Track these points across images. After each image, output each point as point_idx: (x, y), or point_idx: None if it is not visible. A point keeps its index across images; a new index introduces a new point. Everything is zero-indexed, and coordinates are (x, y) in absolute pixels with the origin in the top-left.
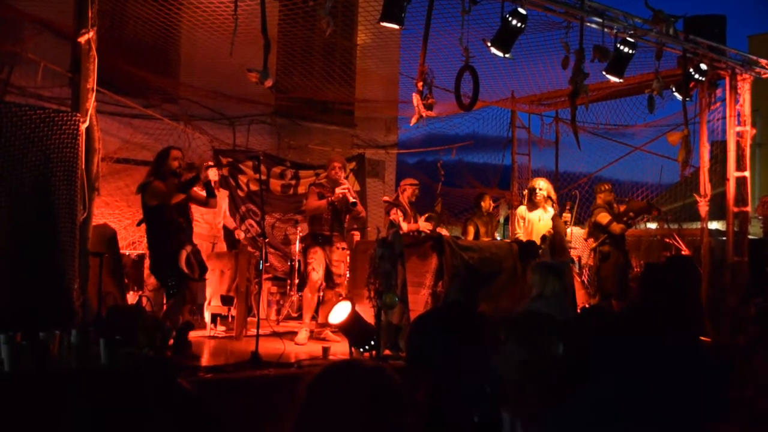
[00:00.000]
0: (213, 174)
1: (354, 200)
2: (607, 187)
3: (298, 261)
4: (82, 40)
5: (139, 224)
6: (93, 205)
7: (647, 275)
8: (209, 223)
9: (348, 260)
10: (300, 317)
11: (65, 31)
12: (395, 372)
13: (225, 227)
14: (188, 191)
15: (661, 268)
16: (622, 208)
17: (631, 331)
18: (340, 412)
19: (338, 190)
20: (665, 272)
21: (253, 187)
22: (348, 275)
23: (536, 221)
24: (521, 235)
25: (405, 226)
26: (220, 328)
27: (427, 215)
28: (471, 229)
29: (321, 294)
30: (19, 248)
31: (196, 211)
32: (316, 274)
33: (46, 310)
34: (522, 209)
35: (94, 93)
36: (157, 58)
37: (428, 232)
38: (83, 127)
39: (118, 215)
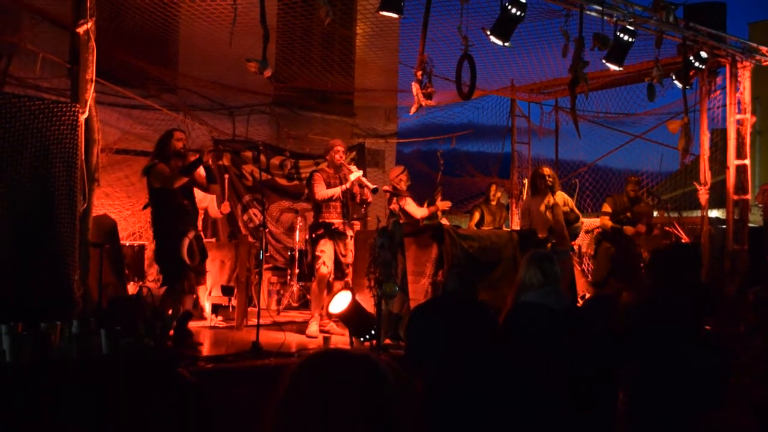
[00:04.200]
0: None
1: (375, 187)
2: (631, 180)
3: (300, 250)
4: (81, 30)
5: (144, 208)
6: (93, 196)
7: (656, 264)
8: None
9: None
10: (300, 307)
11: (64, 21)
12: (392, 361)
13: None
14: (191, 174)
15: (669, 256)
16: (650, 200)
17: (628, 324)
18: (322, 401)
19: (353, 176)
20: (677, 261)
21: (258, 176)
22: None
23: (542, 211)
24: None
25: (423, 211)
26: (220, 318)
27: (427, 202)
28: (476, 215)
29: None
30: (20, 240)
31: None
32: (326, 268)
33: (47, 301)
34: (528, 201)
35: (93, 84)
36: (156, 48)
37: (449, 206)
38: (82, 117)
39: (118, 206)
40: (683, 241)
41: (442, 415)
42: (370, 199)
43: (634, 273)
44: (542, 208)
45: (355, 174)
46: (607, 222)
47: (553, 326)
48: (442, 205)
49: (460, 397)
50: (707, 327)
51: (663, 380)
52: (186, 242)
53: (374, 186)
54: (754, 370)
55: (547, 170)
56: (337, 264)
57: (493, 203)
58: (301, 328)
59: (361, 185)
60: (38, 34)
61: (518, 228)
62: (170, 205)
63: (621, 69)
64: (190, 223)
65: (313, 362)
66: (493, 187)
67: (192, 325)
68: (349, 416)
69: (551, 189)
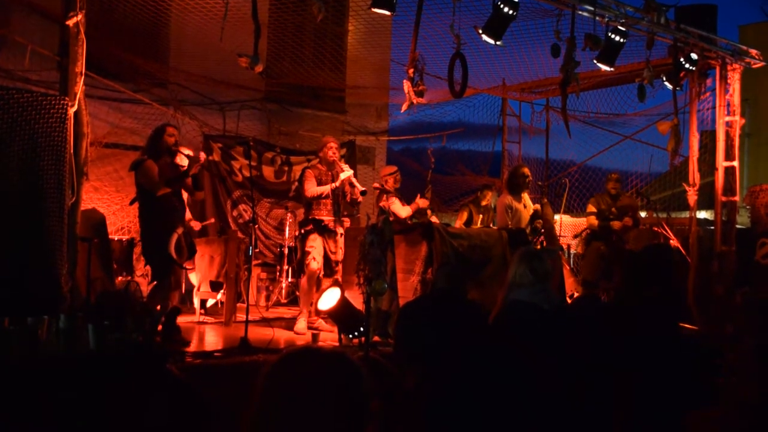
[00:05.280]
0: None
1: (364, 189)
2: (611, 177)
3: (289, 247)
4: (71, 23)
5: (131, 203)
6: (81, 190)
7: (630, 264)
8: None
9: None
10: (289, 303)
11: (53, 13)
12: (381, 358)
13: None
14: (175, 187)
15: (642, 257)
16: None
17: (617, 324)
18: (298, 400)
19: (343, 176)
20: (649, 261)
21: (247, 172)
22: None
23: (522, 209)
24: (511, 226)
25: (407, 210)
26: (213, 302)
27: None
28: (464, 215)
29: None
30: (7, 233)
31: None
32: (316, 264)
33: (35, 296)
34: (508, 199)
35: (83, 77)
36: (147, 42)
37: (427, 204)
38: (71, 111)
39: (107, 200)
40: (671, 241)
41: (433, 412)
42: (360, 199)
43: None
44: (521, 206)
45: (345, 173)
46: (594, 221)
47: (542, 325)
48: (422, 202)
49: (450, 394)
50: (695, 327)
51: (639, 380)
52: (174, 238)
53: (363, 188)
54: (741, 370)
55: (527, 170)
56: (327, 261)
57: (483, 204)
58: (289, 324)
59: (352, 185)
60: (27, 26)
61: (496, 224)
62: (158, 202)
63: (612, 69)
64: (177, 220)
65: (287, 362)
66: (488, 193)
67: (180, 320)
68: (325, 414)
69: (525, 188)
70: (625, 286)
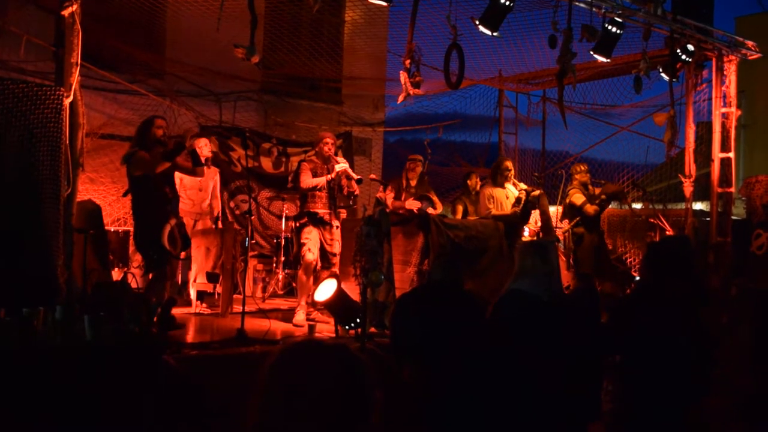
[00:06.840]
0: (204, 144)
1: (360, 177)
2: (582, 168)
3: (286, 238)
4: (66, 13)
5: (125, 194)
6: (77, 181)
7: (652, 257)
8: (192, 199)
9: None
10: (285, 295)
11: (49, 4)
12: (377, 349)
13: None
14: (173, 159)
15: (664, 248)
16: (597, 190)
17: (618, 316)
18: (301, 392)
19: (338, 167)
20: (675, 252)
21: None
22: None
23: (504, 199)
24: (494, 211)
25: (389, 203)
26: (205, 305)
27: (419, 195)
28: (459, 208)
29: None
30: (2, 224)
31: (180, 187)
32: (311, 255)
33: (31, 287)
34: (489, 188)
35: (78, 67)
36: (143, 33)
37: (415, 210)
38: (67, 101)
39: (103, 191)
40: (667, 233)
41: (429, 403)
42: (357, 192)
43: (610, 263)
44: (503, 197)
45: (341, 165)
46: (591, 208)
47: (539, 317)
48: (410, 204)
49: (446, 385)
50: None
51: (654, 371)
52: (167, 229)
53: (359, 176)
54: (736, 360)
55: (509, 163)
56: (323, 253)
57: (473, 193)
58: (286, 315)
59: (349, 177)
60: (23, 17)
61: (477, 212)
62: (151, 193)
63: (609, 61)
64: (171, 211)
65: (291, 355)
66: (474, 176)
67: (176, 311)
68: (329, 405)
69: (507, 180)
70: (651, 278)
